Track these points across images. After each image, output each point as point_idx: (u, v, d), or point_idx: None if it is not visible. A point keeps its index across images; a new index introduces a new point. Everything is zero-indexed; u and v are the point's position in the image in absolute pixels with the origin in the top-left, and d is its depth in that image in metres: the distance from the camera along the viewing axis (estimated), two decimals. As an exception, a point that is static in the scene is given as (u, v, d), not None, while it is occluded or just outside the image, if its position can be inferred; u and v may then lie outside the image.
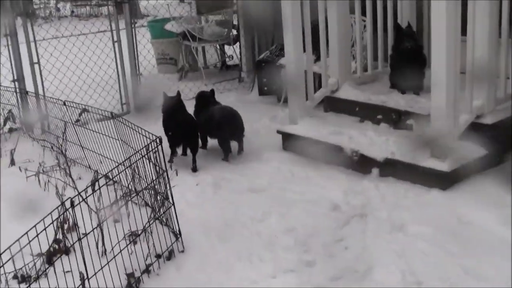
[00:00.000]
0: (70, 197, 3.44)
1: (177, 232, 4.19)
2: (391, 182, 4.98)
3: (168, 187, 4.08)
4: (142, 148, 4.05)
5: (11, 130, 6.83)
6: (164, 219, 4.27)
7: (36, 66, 6.94)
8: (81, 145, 5.51)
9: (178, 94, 5.92)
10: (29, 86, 6.95)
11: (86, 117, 7.44)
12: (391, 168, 5.02)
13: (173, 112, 5.80)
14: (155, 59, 9.75)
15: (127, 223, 4.15)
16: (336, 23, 5.99)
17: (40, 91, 7.00)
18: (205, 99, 6.08)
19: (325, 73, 6.10)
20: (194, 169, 5.62)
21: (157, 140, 4.01)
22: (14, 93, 6.81)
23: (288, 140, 5.89)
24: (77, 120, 7.36)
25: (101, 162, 5.34)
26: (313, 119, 5.91)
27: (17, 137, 6.34)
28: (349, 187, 5.00)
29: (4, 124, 6.71)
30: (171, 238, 4.17)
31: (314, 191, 4.99)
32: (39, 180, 4.69)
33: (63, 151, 5.20)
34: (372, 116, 5.67)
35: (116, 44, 7.38)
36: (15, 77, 6.89)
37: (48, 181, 4.68)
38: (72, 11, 19.20)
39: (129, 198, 4.17)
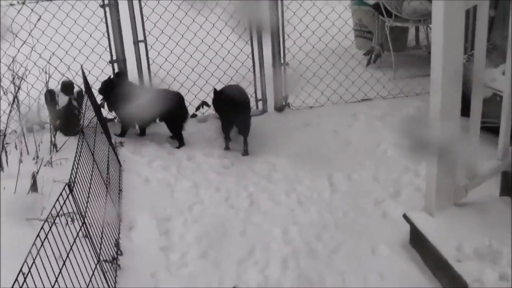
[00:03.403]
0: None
1: None
2: None
3: None
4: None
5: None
6: None
7: (142, 44, 5.39)
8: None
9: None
10: (132, 69, 5.46)
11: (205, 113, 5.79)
12: None
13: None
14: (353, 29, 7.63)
15: None
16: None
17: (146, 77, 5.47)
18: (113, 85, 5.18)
19: (506, 128, 3.55)
20: (245, 152, 5.11)
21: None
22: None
23: (415, 235, 3.59)
24: (194, 115, 5.76)
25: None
26: (464, 211, 3.50)
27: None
28: None
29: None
30: None
31: None
32: None
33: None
34: None
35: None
36: (114, 58, 5.40)
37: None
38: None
39: None
